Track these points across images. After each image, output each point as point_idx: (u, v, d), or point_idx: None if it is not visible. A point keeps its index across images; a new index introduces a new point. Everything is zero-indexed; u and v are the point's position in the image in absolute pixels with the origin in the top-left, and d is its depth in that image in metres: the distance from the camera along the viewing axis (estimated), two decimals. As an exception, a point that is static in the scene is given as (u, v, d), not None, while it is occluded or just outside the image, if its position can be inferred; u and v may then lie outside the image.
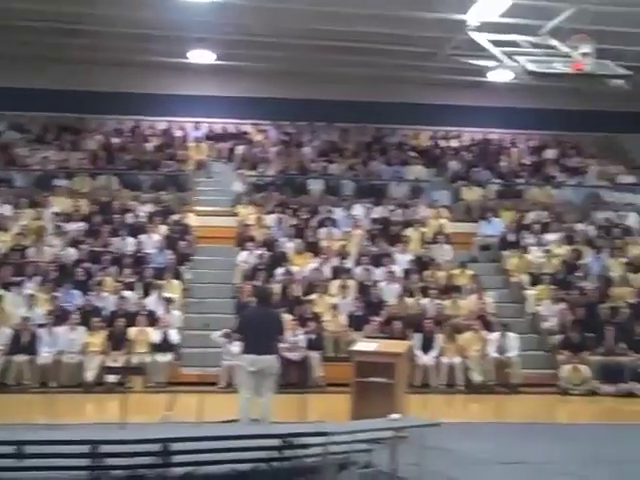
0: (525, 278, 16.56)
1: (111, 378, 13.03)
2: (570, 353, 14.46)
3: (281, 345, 12.92)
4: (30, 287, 14.87)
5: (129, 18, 18.02)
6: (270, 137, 21.87)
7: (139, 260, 16.02)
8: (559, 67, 14.04)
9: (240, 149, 20.82)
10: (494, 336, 14.53)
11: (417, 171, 20.38)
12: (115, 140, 20.88)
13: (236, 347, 12.46)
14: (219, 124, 22.08)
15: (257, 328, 9.90)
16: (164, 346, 14.00)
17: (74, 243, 16.23)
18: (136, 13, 17.64)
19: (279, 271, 15.77)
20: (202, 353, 13.78)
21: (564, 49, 14.40)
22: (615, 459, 9.24)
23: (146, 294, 15.07)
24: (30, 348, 13.59)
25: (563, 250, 17.44)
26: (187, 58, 20.08)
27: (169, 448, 7.83)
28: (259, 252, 16.38)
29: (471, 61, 19.47)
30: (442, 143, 22.42)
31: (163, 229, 17.05)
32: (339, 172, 20.12)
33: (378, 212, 18.37)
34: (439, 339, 14.44)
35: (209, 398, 10.69)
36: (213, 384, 13.32)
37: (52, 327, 13.93)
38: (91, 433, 8.57)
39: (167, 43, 19.48)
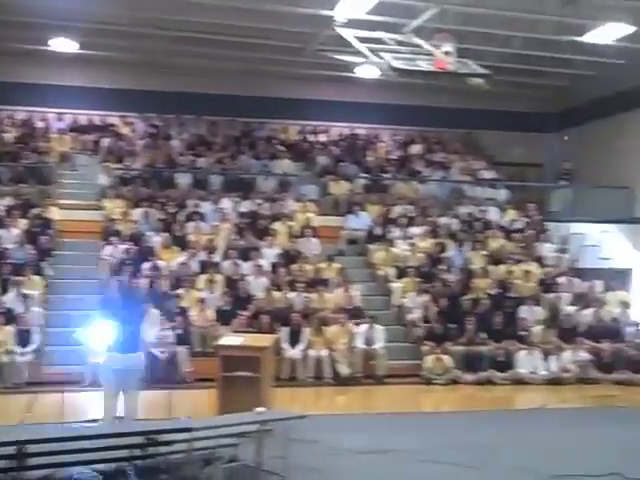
0: (391, 271, 16.89)
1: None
2: (433, 344, 14.86)
3: (147, 341, 12.83)
4: None
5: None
6: (137, 130, 21.43)
7: (-3, 255, 15.40)
8: (423, 65, 14.37)
9: (106, 141, 20.32)
10: (361, 328, 14.74)
11: (285, 165, 20.44)
12: (-29, 130, 20.02)
13: (99, 345, 12.26)
14: (84, 115, 21.47)
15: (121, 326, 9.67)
16: (24, 345, 13.49)
17: None
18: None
19: (146, 265, 15.49)
20: (65, 351, 13.38)
21: (427, 47, 14.78)
22: (475, 444, 9.58)
23: (4, 291, 14.49)
24: None
25: (427, 243, 17.88)
26: (48, 46, 19.43)
27: (25, 450, 7.57)
28: (125, 246, 16.04)
29: (338, 57, 19.72)
30: (310, 137, 22.59)
31: (23, 223, 16.42)
32: (207, 166, 19.92)
33: (246, 206, 18.32)
34: (306, 332, 14.53)
35: (72, 397, 10.40)
36: (77, 383, 12.95)
37: None
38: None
39: (27, 30, 18.80)
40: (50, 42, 19.28)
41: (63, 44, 19.34)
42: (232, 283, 15.42)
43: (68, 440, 8.06)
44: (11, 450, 7.56)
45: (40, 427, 9.72)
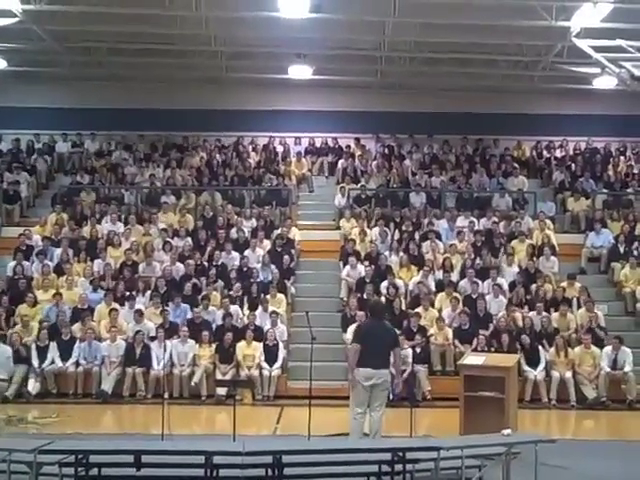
0: (639, 290, 15.99)
1: (220, 391, 13.21)
2: (691, 370, 13.87)
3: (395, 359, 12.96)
4: (141, 301, 15.24)
5: (230, 37, 18.47)
6: (371, 150, 21.85)
7: (244, 274, 16.19)
8: (667, 72, 13.61)
9: (341, 163, 20.89)
10: (607, 350, 14.07)
11: (520, 182, 20.03)
12: (218, 156, 21.27)
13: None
14: (319, 138, 22.19)
15: (373, 342, 9.67)
16: (271, 360, 14.12)
17: (181, 258, 16.54)
18: (237, 32, 18.03)
19: (384, 284, 15.69)
20: (309, 367, 13.76)
21: (671, 52, 13.99)
22: None
23: (252, 308, 15.22)
24: (143, 360, 13.96)
25: (679, 261, 16.77)
26: (287, 74, 20.32)
27: (281, 460, 7.89)
28: (363, 266, 16.35)
29: (574, 69, 19.13)
30: (545, 153, 21.99)
31: (267, 244, 17.21)
32: (441, 184, 19.94)
33: (482, 224, 18.11)
34: (547, 353, 14.10)
35: (316, 412, 10.65)
36: (320, 398, 13.28)
37: (163, 340, 14.19)
38: (204, 444, 8.70)
39: (267, 60, 19.82)
40: (289, 69, 20.15)
41: (299, 71, 20.16)
42: (470, 302, 15.26)
43: (320, 452, 8.33)
44: (268, 459, 7.92)
45: (290, 439, 10.10)
